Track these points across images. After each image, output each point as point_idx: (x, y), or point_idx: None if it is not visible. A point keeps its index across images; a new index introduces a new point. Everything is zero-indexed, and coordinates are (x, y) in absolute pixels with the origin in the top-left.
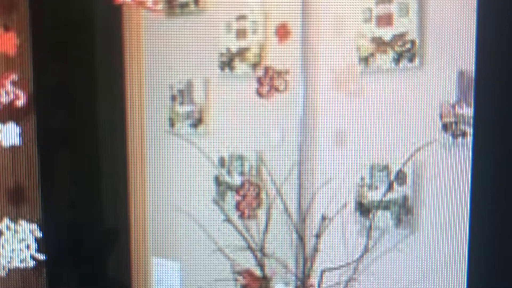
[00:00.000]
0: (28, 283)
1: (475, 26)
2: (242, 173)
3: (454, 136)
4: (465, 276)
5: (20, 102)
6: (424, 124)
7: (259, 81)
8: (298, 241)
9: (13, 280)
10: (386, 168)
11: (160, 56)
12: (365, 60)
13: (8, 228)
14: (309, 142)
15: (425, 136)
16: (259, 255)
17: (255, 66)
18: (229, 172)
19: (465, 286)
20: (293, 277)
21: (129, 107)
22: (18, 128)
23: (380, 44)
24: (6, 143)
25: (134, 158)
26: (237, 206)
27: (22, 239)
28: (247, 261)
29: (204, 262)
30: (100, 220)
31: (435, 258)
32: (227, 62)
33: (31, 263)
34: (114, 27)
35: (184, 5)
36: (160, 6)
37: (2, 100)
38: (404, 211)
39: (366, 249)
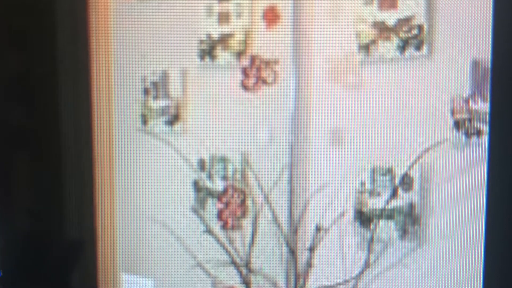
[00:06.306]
0: None
1: (491, 8)
2: (225, 178)
3: (468, 135)
4: None
5: None
6: (433, 122)
7: (245, 72)
8: (289, 255)
9: None
10: (389, 171)
11: (131, 44)
12: (365, 48)
13: None
14: (301, 142)
15: (434, 135)
16: (244, 271)
17: (239, 55)
18: (210, 176)
19: None
20: None
21: (95, 102)
22: None
23: (382, 29)
24: None
25: (101, 160)
26: (219, 215)
27: None
28: (231, 278)
29: (181, 279)
30: (63, 231)
31: (446, 275)
32: (208, 51)
33: None
34: (78, 10)
35: None
36: None
37: None
38: (410, 220)
39: (366, 265)
